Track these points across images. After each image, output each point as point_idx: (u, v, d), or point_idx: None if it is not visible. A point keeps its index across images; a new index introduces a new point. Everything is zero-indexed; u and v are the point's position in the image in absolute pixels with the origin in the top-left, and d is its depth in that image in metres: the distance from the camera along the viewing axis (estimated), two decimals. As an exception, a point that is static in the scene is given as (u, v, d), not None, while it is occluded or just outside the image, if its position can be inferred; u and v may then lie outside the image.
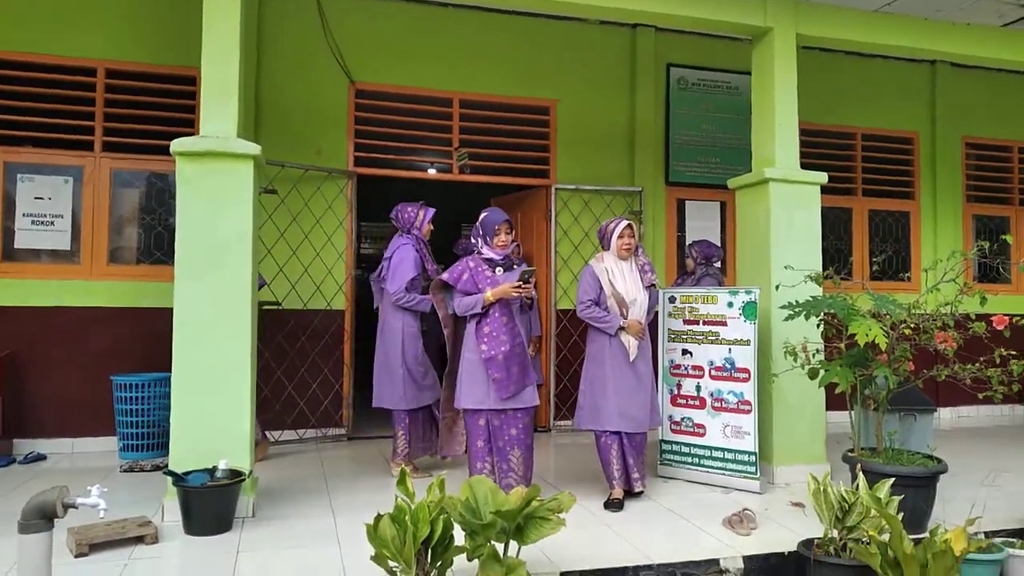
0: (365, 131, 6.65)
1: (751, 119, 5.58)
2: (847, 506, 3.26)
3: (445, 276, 4.42)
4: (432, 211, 5.20)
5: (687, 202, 7.56)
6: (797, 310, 4.22)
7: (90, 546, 3.53)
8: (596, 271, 4.56)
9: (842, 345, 4.23)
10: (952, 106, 8.31)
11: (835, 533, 3.30)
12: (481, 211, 4.52)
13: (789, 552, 3.64)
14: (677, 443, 5.11)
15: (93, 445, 5.84)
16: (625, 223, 4.57)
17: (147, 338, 5.80)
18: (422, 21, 6.79)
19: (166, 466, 4.10)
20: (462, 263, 4.41)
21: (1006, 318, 3.89)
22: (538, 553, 3.46)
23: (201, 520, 3.84)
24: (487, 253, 4.42)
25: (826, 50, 7.05)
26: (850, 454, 4.19)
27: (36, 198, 5.86)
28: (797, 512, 4.35)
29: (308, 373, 6.30)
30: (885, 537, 3.08)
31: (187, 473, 3.94)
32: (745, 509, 4.14)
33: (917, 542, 3.09)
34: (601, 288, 4.52)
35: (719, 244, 7.36)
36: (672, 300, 5.24)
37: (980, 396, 4.00)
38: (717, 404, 4.95)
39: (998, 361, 3.89)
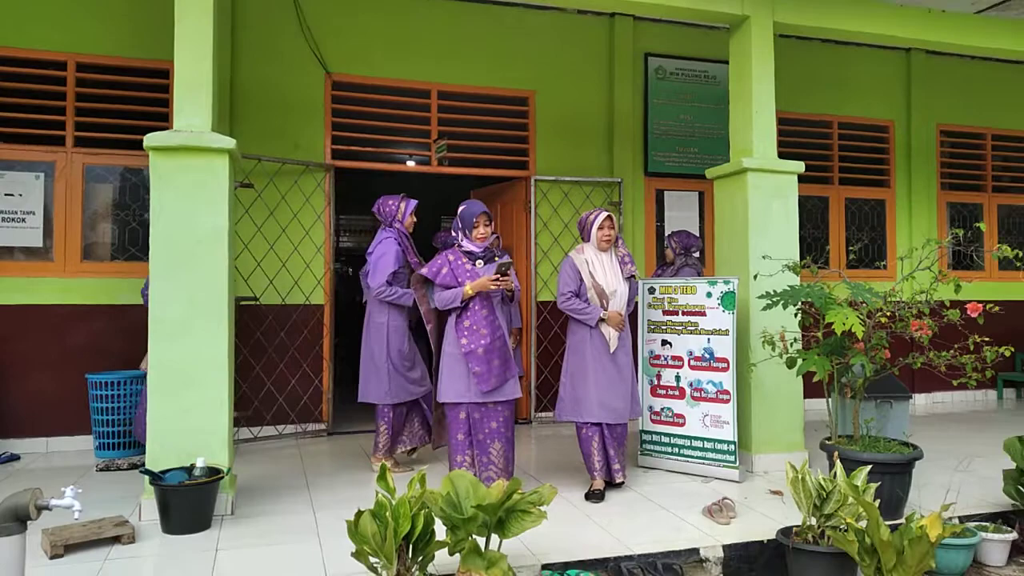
0: (342, 123, 6.59)
1: (729, 108, 5.59)
2: (825, 494, 3.29)
3: (424, 271, 4.40)
4: (414, 203, 5.17)
5: (666, 192, 7.57)
6: (775, 299, 4.25)
7: (65, 547, 3.49)
8: (576, 263, 4.56)
9: (819, 334, 4.26)
10: (927, 94, 8.38)
11: (813, 521, 3.33)
12: (460, 204, 4.50)
13: (768, 540, 3.67)
14: (657, 433, 5.14)
15: (68, 444, 5.78)
16: (605, 214, 4.57)
17: (123, 335, 5.73)
18: (399, 11, 6.72)
19: (143, 464, 4.06)
20: (441, 257, 4.39)
21: (980, 305, 3.93)
22: (520, 546, 3.46)
23: (179, 519, 3.80)
24: (467, 246, 4.40)
25: (802, 38, 7.09)
26: (828, 442, 4.23)
27: (6, 195, 5.75)
28: (776, 500, 4.39)
29: (287, 368, 6.26)
30: (862, 524, 3.12)
31: (164, 471, 3.90)
32: (725, 498, 4.17)
33: (894, 528, 3.13)
34: (581, 280, 4.52)
35: (698, 234, 7.39)
36: (652, 291, 5.25)
37: (955, 383, 4.05)
38: (696, 394, 4.98)
39: (972, 348, 3.94)
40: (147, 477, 3.90)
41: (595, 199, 7.17)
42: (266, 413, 6.17)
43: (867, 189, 8.29)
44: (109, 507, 4.08)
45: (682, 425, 5.02)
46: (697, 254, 6.21)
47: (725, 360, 4.87)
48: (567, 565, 3.37)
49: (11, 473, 5.08)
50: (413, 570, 2.92)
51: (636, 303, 5.02)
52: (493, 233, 4.61)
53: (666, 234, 6.83)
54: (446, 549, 3.00)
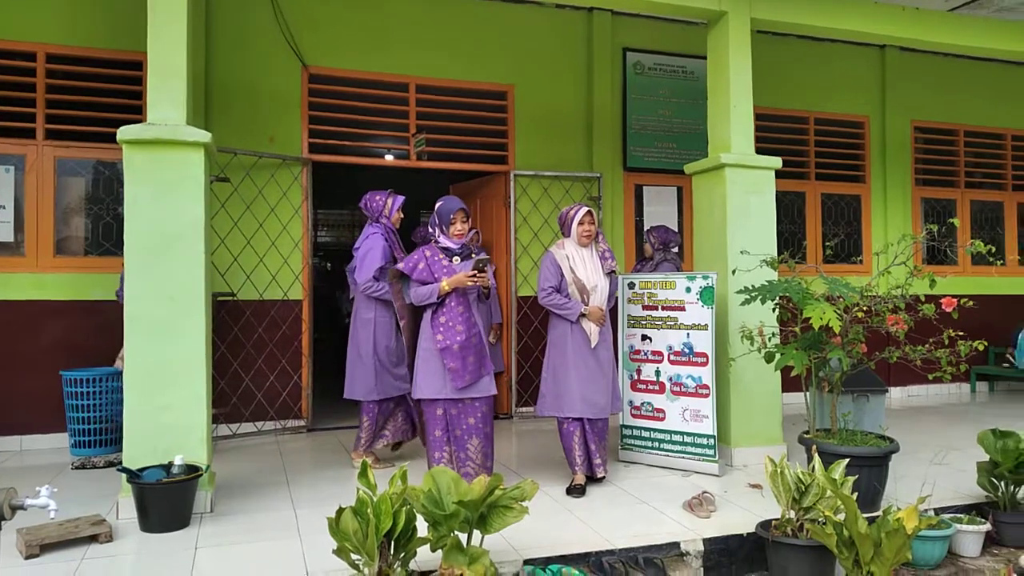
0: (320, 116, 6.53)
1: (707, 104, 5.61)
2: (803, 487, 3.33)
3: (401, 266, 4.38)
4: (401, 199, 5.15)
5: (645, 187, 7.59)
6: (753, 294, 4.28)
7: (41, 547, 3.44)
8: (557, 258, 4.56)
9: (797, 328, 4.30)
10: (902, 90, 8.48)
11: (792, 514, 3.36)
12: (438, 199, 4.48)
13: (748, 534, 3.70)
14: (637, 428, 5.16)
15: (43, 442, 5.69)
16: (585, 210, 4.57)
17: (98, 332, 5.65)
18: (376, 4, 6.67)
19: (120, 463, 4.01)
20: (418, 252, 4.37)
21: (954, 300, 3.98)
22: (501, 541, 3.46)
23: (158, 517, 3.76)
24: (444, 242, 4.39)
25: (779, 35, 7.14)
26: (806, 435, 4.27)
27: (-24, 188, 5.65)
28: (755, 494, 4.42)
29: (265, 364, 6.21)
30: (840, 517, 3.16)
31: (142, 469, 3.85)
32: (704, 492, 4.20)
33: (871, 521, 3.17)
34: (562, 275, 4.52)
35: (677, 229, 7.42)
36: (631, 286, 5.27)
37: (930, 377, 4.10)
38: (676, 388, 5.00)
39: (947, 342, 3.99)
40: (124, 475, 3.86)
41: (575, 194, 7.18)
42: (245, 410, 6.12)
43: (843, 184, 8.37)
44: (86, 506, 4.03)
45: (662, 420, 5.05)
46: (676, 249, 6.25)
47: (704, 355, 4.90)
48: (549, 560, 3.38)
49: (-17, 472, 5.00)
50: (395, 567, 2.91)
51: (616, 298, 5.03)
52: (472, 229, 4.60)
53: (645, 229, 6.87)
54: (428, 545, 2.99)
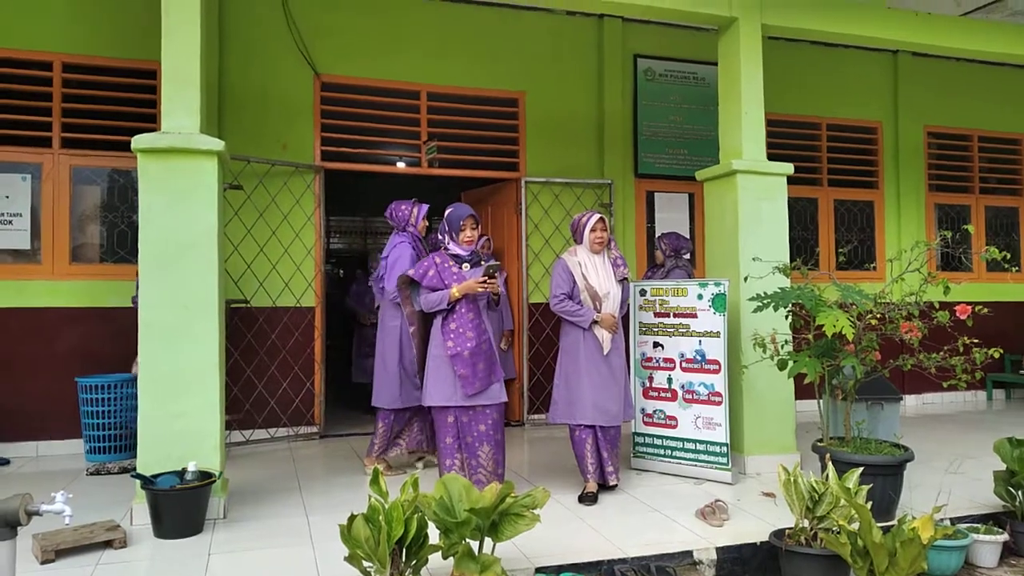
0: (332, 124, 6.57)
1: (718, 110, 5.60)
2: (817, 496, 3.30)
3: (411, 272, 4.40)
4: (425, 207, 5.21)
5: (656, 194, 7.58)
6: (766, 302, 4.26)
7: (56, 552, 3.46)
8: (569, 264, 4.56)
9: (810, 336, 4.28)
10: (914, 95, 8.43)
11: (806, 523, 3.34)
12: (448, 206, 4.50)
13: (761, 542, 3.68)
14: (650, 435, 5.14)
15: (59, 448, 5.73)
16: (597, 216, 4.57)
17: (113, 338, 5.69)
18: (388, 12, 6.71)
19: (134, 468, 4.03)
20: (428, 259, 4.39)
21: (969, 307, 3.95)
22: (513, 549, 3.46)
23: (171, 523, 3.78)
24: (453, 249, 4.40)
25: (790, 40, 7.13)
26: (819, 444, 4.25)
27: (-7, 196, 5.71)
28: (768, 502, 4.40)
29: (278, 371, 6.23)
30: (855, 526, 3.13)
31: (156, 476, 3.87)
32: (717, 500, 4.18)
33: (886, 530, 3.15)
34: (574, 282, 4.52)
35: (688, 236, 7.40)
36: (643, 293, 5.26)
37: (945, 385, 4.07)
38: (688, 396, 4.98)
39: (962, 349, 3.96)
40: (138, 481, 3.88)
41: (586, 201, 7.18)
42: (258, 416, 6.14)
43: (856, 191, 8.33)
44: (100, 512, 4.05)
45: (674, 427, 5.03)
46: (687, 256, 6.23)
47: (717, 362, 4.88)
48: (561, 568, 3.37)
49: (1, 478, 5.03)
50: (407, 574, 2.91)
51: (628, 305, 5.03)
52: (483, 236, 4.61)
53: (656, 236, 6.85)
54: (439, 553, 2.99)
